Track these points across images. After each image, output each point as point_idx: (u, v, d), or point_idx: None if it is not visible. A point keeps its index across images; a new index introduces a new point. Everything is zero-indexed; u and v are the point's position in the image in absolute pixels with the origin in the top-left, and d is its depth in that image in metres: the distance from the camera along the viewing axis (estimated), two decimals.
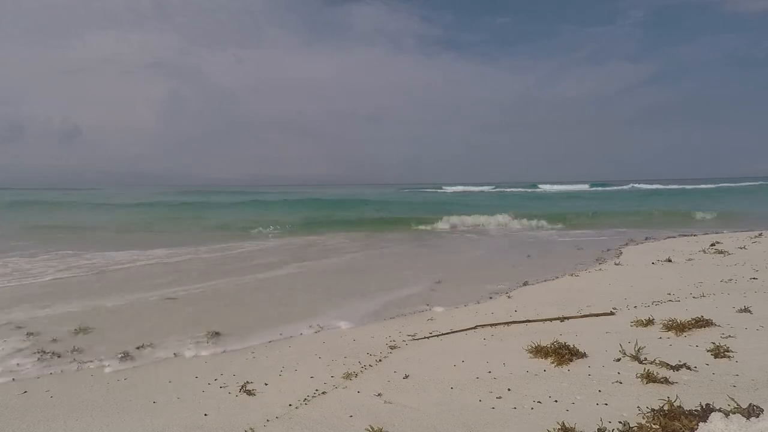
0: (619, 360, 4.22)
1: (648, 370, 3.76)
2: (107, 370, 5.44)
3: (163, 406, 4.17)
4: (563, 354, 4.41)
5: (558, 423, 3.08)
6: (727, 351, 4.12)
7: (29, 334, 6.84)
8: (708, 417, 2.48)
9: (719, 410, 2.61)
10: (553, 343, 4.61)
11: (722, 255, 10.95)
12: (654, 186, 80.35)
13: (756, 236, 14.43)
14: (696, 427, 2.60)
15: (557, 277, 10.09)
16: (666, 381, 3.61)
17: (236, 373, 4.93)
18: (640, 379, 3.70)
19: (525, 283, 9.65)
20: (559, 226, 23.86)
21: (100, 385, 4.96)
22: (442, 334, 6.00)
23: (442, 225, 25.00)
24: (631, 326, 5.37)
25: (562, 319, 6.14)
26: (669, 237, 17.25)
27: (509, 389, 3.92)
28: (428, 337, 5.96)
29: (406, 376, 4.48)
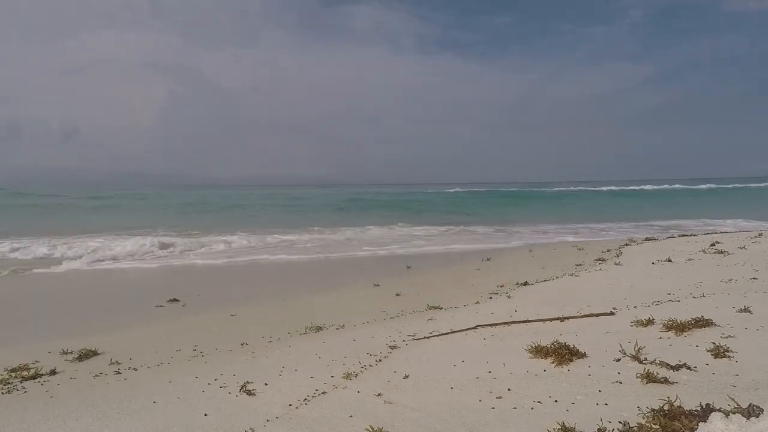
0: (619, 360, 4.22)
1: (648, 370, 3.75)
2: None
3: (163, 406, 4.17)
4: (563, 354, 4.41)
5: (558, 423, 3.08)
6: (727, 351, 4.12)
7: None
8: (708, 417, 2.48)
9: (719, 410, 2.61)
10: (553, 343, 4.61)
11: (722, 255, 10.94)
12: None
13: (756, 236, 14.43)
14: (696, 427, 2.59)
15: (557, 277, 10.09)
16: (666, 381, 3.61)
17: (236, 373, 4.93)
18: (640, 379, 3.69)
19: (525, 283, 9.65)
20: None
21: (101, 385, 4.97)
22: (442, 334, 6.00)
23: None
24: (631, 326, 5.36)
25: (562, 319, 6.14)
26: (669, 237, 17.26)
27: (509, 389, 3.92)
28: (428, 337, 5.96)
29: (406, 376, 4.47)
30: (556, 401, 3.60)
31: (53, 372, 5.40)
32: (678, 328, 4.91)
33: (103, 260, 15.19)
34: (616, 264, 11.25)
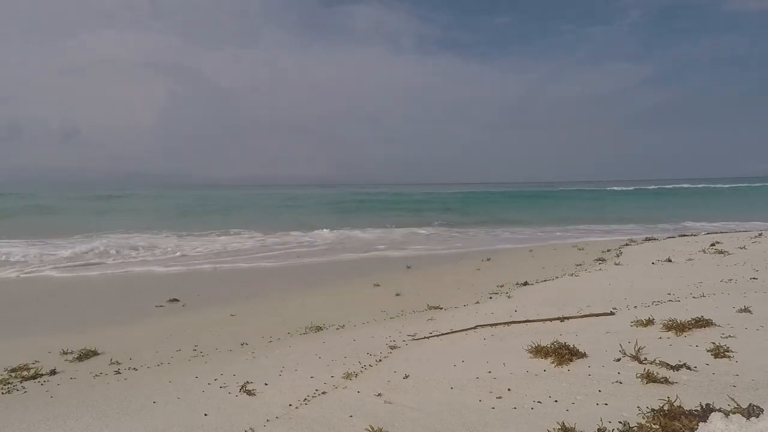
0: (619, 360, 4.22)
1: (648, 370, 3.75)
2: None
3: (163, 406, 4.17)
4: (563, 354, 4.40)
5: (558, 423, 3.08)
6: (727, 351, 4.12)
7: None
8: (708, 417, 2.48)
9: (719, 410, 2.61)
10: (553, 343, 4.61)
11: (722, 255, 10.94)
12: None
13: (756, 236, 14.43)
14: (696, 427, 2.59)
15: (557, 277, 10.09)
16: (666, 381, 3.61)
17: (236, 373, 4.93)
18: (640, 379, 3.69)
19: (525, 283, 9.65)
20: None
21: (101, 385, 4.97)
22: (442, 334, 6.00)
23: None
24: (631, 326, 5.36)
25: (562, 319, 6.14)
26: (669, 237, 17.26)
27: (509, 389, 3.92)
28: (428, 337, 5.96)
29: (406, 376, 4.47)
30: (556, 401, 3.60)
31: (53, 372, 5.41)
32: (678, 328, 4.91)
33: (102, 260, 15.20)
34: (616, 264, 11.25)
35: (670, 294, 7.23)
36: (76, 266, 14.03)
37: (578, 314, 6.31)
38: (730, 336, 4.61)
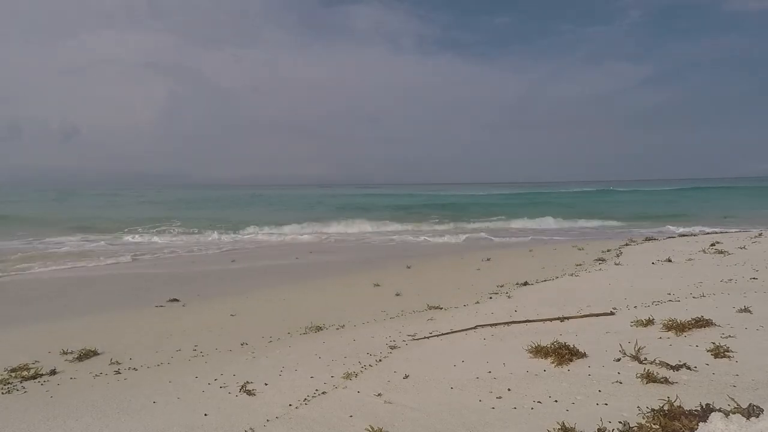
0: (619, 360, 4.22)
1: (648, 370, 3.75)
2: None
3: (163, 406, 4.17)
4: (563, 354, 4.41)
5: (558, 423, 3.08)
6: (727, 351, 4.12)
7: None
8: (708, 417, 2.48)
9: (719, 410, 2.61)
10: (553, 343, 4.61)
11: (722, 255, 10.94)
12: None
13: (756, 236, 14.42)
14: (696, 427, 2.59)
15: (557, 277, 10.08)
16: (666, 381, 3.61)
17: (236, 373, 4.93)
18: (640, 379, 3.69)
19: (525, 283, 9.65)
20: None
21: (101, 385, 4.97)
22: (442, 334, 6.00)
23: None
24: (631, 326, 5.36)
25: (562, 319, 6.13)
26: (669, 237, 17.26)
27: (509, 389, 3.92)
28: (428, 337, 5.96)
29: (406, 376, 4.47)
30: (556, 401, 3.60)
31: (53, 372, 5.40)
32: (678, 328, 4.91)
33: (109, 257, 15.23)
34: (616, 264, 11.25)
35: (670, 294, 7.23)
36: (75, 267, 14.03)
37: (578, 314, 6.30)
38: (730, 336, 4.61)
